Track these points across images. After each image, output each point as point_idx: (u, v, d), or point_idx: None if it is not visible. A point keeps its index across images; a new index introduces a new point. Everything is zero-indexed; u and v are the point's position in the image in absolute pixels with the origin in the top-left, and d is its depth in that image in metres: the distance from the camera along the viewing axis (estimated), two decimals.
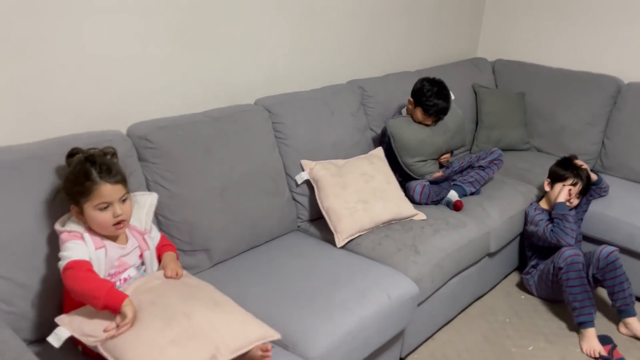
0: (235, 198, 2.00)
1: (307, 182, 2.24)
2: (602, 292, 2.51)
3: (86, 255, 1.42)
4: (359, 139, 2.53)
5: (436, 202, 2.52)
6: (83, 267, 1.39)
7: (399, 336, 2.01)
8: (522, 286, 2.68)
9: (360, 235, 2.14)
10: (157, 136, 1.86)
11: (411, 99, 2.52)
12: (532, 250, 2.62)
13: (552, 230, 2.40)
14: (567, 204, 2.46)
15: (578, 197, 2.53)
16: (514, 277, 2.78)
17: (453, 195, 2.52)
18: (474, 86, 3.31)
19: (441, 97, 2.44)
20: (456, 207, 2.46)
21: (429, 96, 2.43)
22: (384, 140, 2.55)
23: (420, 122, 2.50)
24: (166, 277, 1.54)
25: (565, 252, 2.30)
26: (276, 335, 1.46)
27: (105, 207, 1.43)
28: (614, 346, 2.19)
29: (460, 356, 2.19)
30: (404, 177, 2.52)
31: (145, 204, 1.67)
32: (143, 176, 1.84)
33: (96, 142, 1.67)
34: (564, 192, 2.47)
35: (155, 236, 1.70)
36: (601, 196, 2.67)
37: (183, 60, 2.09)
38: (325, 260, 1.97)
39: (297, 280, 1.83)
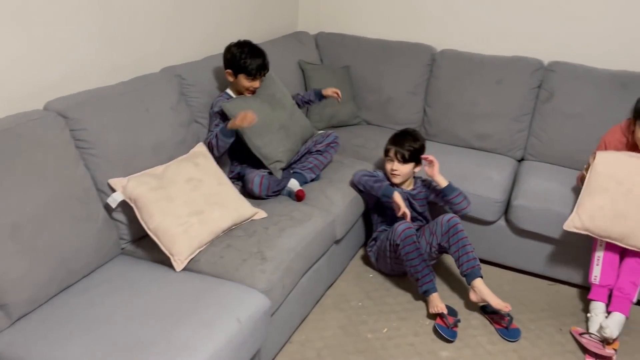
0: (33, 235, 1.59)
1: (123, 201, 1.90)
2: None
3: None
4: (184, 135, 2.23)
5: (276, 193, 2.37)
6: None
7: (254, 355, 1.83)
8: (368, 262, 2.68)
9: (199, 251, 1.88)
10: None
11: (229, 71, 2.37)
12: (373, 218, 2.64)
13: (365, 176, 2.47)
14: (392, 178, 2.47)
15: (412, 179, 2.53)
16: (360, 255, 2.77)
17: (294, 184, 2.38)
18: (300, 63, 3.18)
19: (255, 53, 2.37)
20: (298, 197, 2.32)
21: (245, 57, 2.34)
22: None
23: (248, 90, 2.39)
24: None
25: (398, 227, 2.32)
26: None
27: None
28: (458, 320, 2.26)
29: (320, 355, 2.10)
30: (246, 168, 2.37)
31: None
32: None
33: None
34: (386, 166, 2.48)
35: None
36: (455, 211, 2.47)
37: None
38: (159, 290, 1.69)
39: (128, 324, 1.53)
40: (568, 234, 2.40)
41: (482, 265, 2.67)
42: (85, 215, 1.78)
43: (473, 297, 2.29)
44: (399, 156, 2.44)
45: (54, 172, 1.70)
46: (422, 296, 2.37)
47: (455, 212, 2.43)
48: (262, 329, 1.72)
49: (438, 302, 2.29)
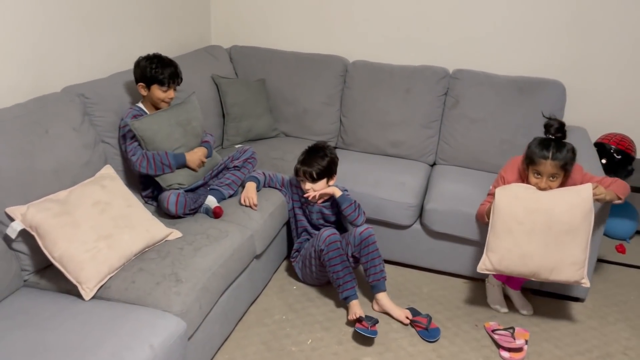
0: None
1: (23, 230, 1.79)
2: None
3: None
4: (90, 156, 2.13)
5: (193, 211, 2.32)
6: None
7: None
8: (292, 274, 2.69)
9: (110, 277, 1.80)
10: None
11: (141, 84, 2.34)
12: (295, 231, 2.65)
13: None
14: (308, 195, 2.49)
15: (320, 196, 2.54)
16: (283, 268, 2.77)
17: (211, 201, 2.35)
18: (214, 77, 3.14)
19: (166, 63, 2.36)
20: (216, 214, 2.29)
21: (155, 68, 2.32)
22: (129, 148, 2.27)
23: (163, 101, 2.36)
24: None
25: (324, 233, 2.36)
26: None
27: None
28: (376, 321, 2.31)
29: None
30: (158, 188, 2.30)
31: None
32: None
33: None
34: (301, 185, 2.52)
35: None
36: (349, 221, 2.49)
37: None
38: (65, 321, 1.60)
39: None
40: (478, 234, 2.54)
41: (401, 269, 2.79)
42: None
43: (375, 307, 2.42)
44: (307, 176, 2.47)
45: None
46: (343, 303, 2.40)
47: (349, 222, 2.47)
48: (178, 353, 1.67)
49: (357, 309, 2.32)
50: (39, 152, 1.92)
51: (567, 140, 2.23)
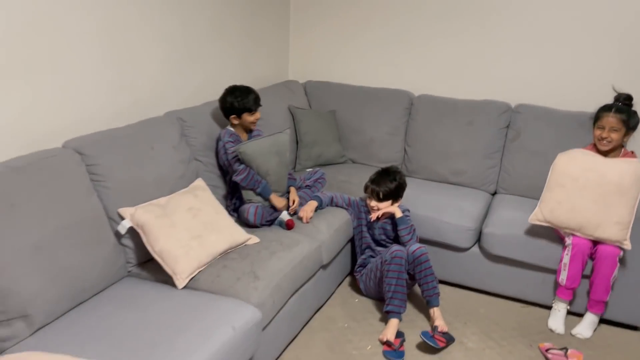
0: (51, 254, 1.81)
1: (131, 228, 2.12)
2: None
3: None
4: (184, 171, 2.48)
5: (269, 223, 2.60)
6: None
7: None
8: (355, 288, 2.89)
9: (199, 271, 2.10)
10: None
11: (233, 116, 2.67)
12: (359, 248, 2.85)
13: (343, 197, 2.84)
14: (372, 212, 2.71)
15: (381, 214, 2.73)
16: (347, 283, 2.98)
17: (284, 215, 2.62)
18: (290, 108, 3.48)
19: (245, 91, 2.68)
20: (288, 226, 2.56)
21: (242, 98, 2.64)
22: (231, 168, 2.62)
23: (253, 123, 2.70)
24: None
25: (393, 247, 2.56)
26: None
27: None
28: (403, 340, 2.46)
29: None
30: (240, 201, 2.62)
31: None
32: None
33: None
34: (367, 201, 2.74)
35: None
36: (401, 242, 2.67)
37: None
38: (163, 305, 1.90)
39: (134, 333, 1.73)
40: (535, 257, 2.65)
41: (459, 290, 2.92)
42: (97, 240, 2.00)
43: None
44: (374, 194, 2.69)
45: (70, 200, 1.94)
46: (385, 316, 2.54)
47: (402, 243, 2.65)
48: (254, 338, 1.92)
49: (390, 331, 2.44)
50: (145, 165, 2.28)
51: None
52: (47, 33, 2.08)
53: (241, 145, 2.55)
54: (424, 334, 2.39)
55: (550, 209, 2.52)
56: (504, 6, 3.29)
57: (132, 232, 2.14)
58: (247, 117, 2.67)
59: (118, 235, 2.12)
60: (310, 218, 2.64)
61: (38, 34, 2.04)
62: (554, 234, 2.65)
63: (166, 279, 2.07)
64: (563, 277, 2.53)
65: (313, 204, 2.72)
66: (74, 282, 1.87)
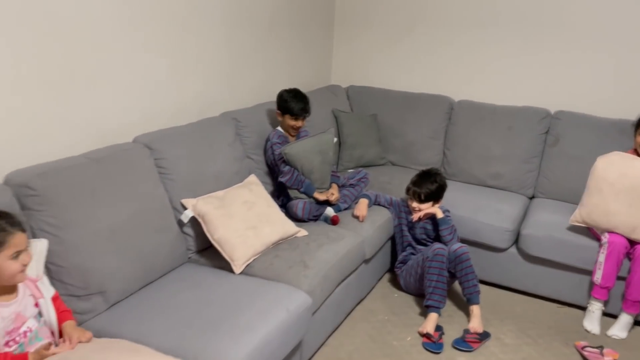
0: (125, 238, 2.01)
1: (192, 217, 2.30)
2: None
3: None
4: (239, 167, 2.66)
5: (315, 218, 2.75)
6: None
7: (297, 347, 2.16)
8: (394, 284, 3.01)
9: (254, 258, 2.27)
10: (38, 183, 1.81)
11: (278, 111, 2.85)
12: (400, 245, 2.97)
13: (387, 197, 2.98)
14: (413, 214, 2.83)
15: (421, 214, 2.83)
16: (387, 278, 3.10)
17: (330, 211, 2.77)
18: (334, 111, 3.63)
19: (299, 98, 2.85)
20: (333, 221, 2.71)
21: (290, 101, 2.82)
22: (278, 168, 2.79)
23: (292, 128, 2.84)
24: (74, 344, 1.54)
25: (435, 245, 2.68)
26: None
27: (17, 256, 1.42)
28: (442, 333, 2.56)
29: (352, 357, 2.41)
30: (287, 198, 2.78)
31: (35, 250, 1.64)
32: (28, 225, 1.78)
33: None
34: (408, 202, 2.87)
35: (49, 286, 1.68)
36: (443, 242, 2.76)
37: (56, 105, 2.06)
38: (223, 287, 2.07)
39: (199, 311, 1.90)
40: (572, 258, 2.72)
41: (496, 289, 3.00)
42: (163, 227, 2.20)
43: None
44: (416, 196, 2.81)
45: (141, 189, 2.14)
46: (425, 310, 2.65)
47: (443, 242, 2.74)
48: (305, 321, 2.07)
49: (430, 324, 2.55)
50: (205, 160, 2.47)
51: None
52: (123, 41, 2.29)
53: (286, 147, 2.72)
54: (456, 342, 2.50)
55: (588, 211, 2.64)
56: (545, 14, 3.37)
57: (193, 222, 2.32)
58: (288, 120, 2.84)
59: (180, 223, 2.31)
60: (364, 216, 2.78)
61: (116, 42, 2.26)
62: (591, 235, 2.73)
63: (223, 265, 2.24)
64: (598, 276, 2.61)
65: (365, 202, 2.86)
66: (144, 263, 2.06)
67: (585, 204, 2.68)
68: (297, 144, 2.76)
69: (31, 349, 1.52)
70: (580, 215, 2.69)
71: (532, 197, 3.39)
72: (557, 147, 3.27)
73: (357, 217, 2.78)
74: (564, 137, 3.26)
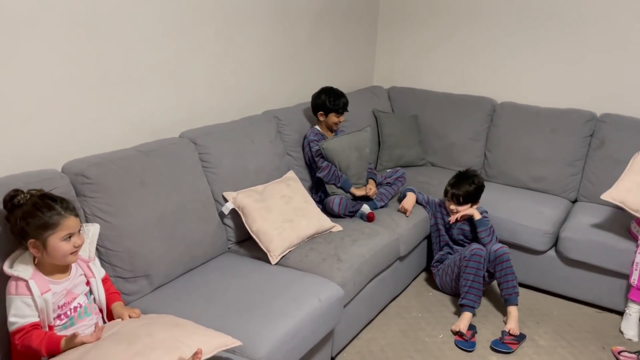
0: (171, 226, 2.14)
1: (233, 209, 2.42)
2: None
3: (33, 314, 1.54)
4: (279, 163, 2.77)
5: (351, 214, 2.82)
6: (30, 330, 1.53)
7: (329, 337, 2.24)
8: (430, 283, 3.04)
9: (289, 250, 2.36)
10: (93, 172, 1.97)
11: (321, 112, 2.95)
12: (437, 245, 3.00)
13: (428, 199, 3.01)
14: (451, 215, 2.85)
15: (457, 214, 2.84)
16: (422, 277, 3.13)
17: (366, 208, 2.83)
18: (374, 111, 3.69)
19: (339, 95, 2.96)
20: (369, 218, 2.77)
21: (332, 99, 2.92)
22: (315, 164, 2.88)
23: (336, 124, 2.95)
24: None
25: (473, 245, 2.70)
26: (237, 342, 1.64)
27: (69, 238, 1.55)
28: (474, 332, 2.57)
29: (383, 350, 2.47)
30: (325, 194, 2.86)
31: (88, 234, 1.78)
32: (82, 210, 1.93)
33: (35, 182, 1.77)
34: (446, 204, 2.89)
35: (100, 267, 1.82)
36: (481, 243, 2.75)
37: (109, 101, 2.22)
38: (259, 276, 2.17)
39: (236, 296, 2.01)
40: (612, 262, 2.67)
41: (534, 292, 2.98)
42: (206, 217, 2.32)
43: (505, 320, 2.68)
44: (454, 198, 2.82)
45: (186, 181, 2.27)
46: (459, 309, 2.67)
47: (481, 244, 2.74)
48: (337, 312, 2.14)
49: (463, 322, 2.57)
50: (247, 156, 2.59)
51: None
52: (173, 43, 2.44)
53: (324, 142, 2.80)
54: (494, 343, 2.51)
55: (627, 188, 2.60)
56: (591, 15, 3.31)
57: (233, 214, 2.44)
58: (333, 118, 2.94)
59: (222, 215, 2.43)
60: (410, 212, 2.84)
61: (166, 44, 2.41)
62: (631, 238, 2.67)
63: (260, 256, 2.35)
64: (635, 278, 2.55)
65: (413, 196, 2.93)
66: (187, 250, 2.20)
67: (624, 181, 2.65)
68: (334, 140, 2.84)
69: (80, 322, 1.66)
70: (617, 192, 2.62)
71: (574, 201, 3.33)
72: (602, 150, 3.21)
73: (404, 212, 2.84)
74: (609, 140, 3.19)
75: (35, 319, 1.54)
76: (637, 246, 2.58)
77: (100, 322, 1.74)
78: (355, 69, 3.97)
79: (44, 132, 2.00)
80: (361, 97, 3.70)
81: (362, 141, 2.92)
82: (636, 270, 2.56)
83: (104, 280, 1.82)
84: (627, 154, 3.07)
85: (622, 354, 2.40)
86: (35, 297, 1.54)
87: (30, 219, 1.54)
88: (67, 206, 1.58)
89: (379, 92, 3.91)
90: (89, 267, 1.76)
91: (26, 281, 1.54)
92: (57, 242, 1.54)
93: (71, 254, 1.58)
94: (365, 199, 2.87)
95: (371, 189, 2.87)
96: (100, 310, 1.78)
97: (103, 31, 2.13)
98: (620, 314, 2.75)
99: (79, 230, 1.61)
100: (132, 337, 1.49)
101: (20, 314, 1.53)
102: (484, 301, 2.84)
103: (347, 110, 2.99)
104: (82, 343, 1.50)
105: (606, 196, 2.65)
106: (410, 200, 2.90)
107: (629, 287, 2.62)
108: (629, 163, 2.72)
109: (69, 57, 2.03)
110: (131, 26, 2.24)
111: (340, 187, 2.83)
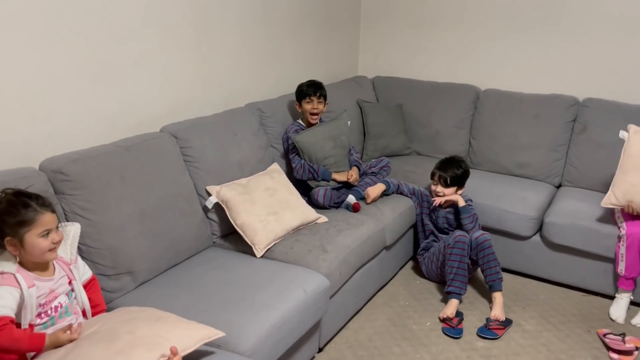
0: (153, 221, 2.12)
1: (217, 203, 2.40)
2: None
3: (11, 308, 1.49)
4: (262, 156, 2.75)
5: (337, 205, 2.82)
6: (7, 323, 1.46)
7: (316, 328, 2.24)
8: (417, 272, 3.05)
9: (275, 243, 2.35)
10: (71, 169, 1.94)
11: (297, 102, 2.95)
12: (422, 233, 3.02)
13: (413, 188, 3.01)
14: (436, 199, 2.86)
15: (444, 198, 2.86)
16: (409, 266, 3.14)
17: (351, 198, 2.83)
18: (359, 101, 3.68)
19: (312, 83, 2.96)
20: (355, 208, 2.76)
21: (302, 86, 2.94)
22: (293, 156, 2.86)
23: (311, 113, 2.91)
24: None
25: (456, 232, 2.70)
26: (220, 333, 1.63)
27: (47, 234, 1.53)
28: (461, 319, 2.59)
29: (371, 339, 2.47)
30: (309, 187, 2.84)
31: (69, 234, 1.75)
32: (61, 208, 1.91)
33: (11, 180, 1.74)
34: (432, 187, 2.90)
35: (83, 270, 1.78)
36: (464, 229, 2.76)
37: (88, 96, 2.19)
38: (244, 269, 2.16)
39: (221, 289, 2.00)
40: (597, 246, 2.69)
41: (520, 278, 3.00)
42: (189, 211, 2.30)
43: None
44: (441, 180, 2.83)
45: (168, 176, 2.25)
46: (446, 296, 2.68)
47: (464, 230, 2.75)
48: (323, 303, 2.14)
49: (450, 309, 2.59)
50: (230, 149, 2.57)
51: None
52: (151, 36, 2.41)
53: (296, 135, 2.79)
54: (480, 330, 2.52)
55: (623, 192, 2.56)
56: (569, 0, 3.32)
57: (217, 208, 2.42)
58: (305, 105, 2.91)
59: (205, 209, 2.41)
60: (373, 200, 2.83)
61: (145, 37, 2.37)
62: (614, 223, 2.69)
63: (245, 249, 2.34)
64: (622, 268, 2.58)
65: (381, 186, 2.91)
66: (171, 245, 2.18)
67: (619, 184, 2.59)
68: (307, 132, 2.82)
69: (60, 322, 1.63)
70: (615, 197, 2.58)
71: (559, 186, 3.35)
72: (585, 134, 3.22)
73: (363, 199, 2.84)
74: (591, 124, 3.21)
75: (12, 315, 1.49)
76: (619, 238, 2.60)
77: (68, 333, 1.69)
78: (340, 60, 3.95)
79: (20, 129, 1.97)
80: (345, 88, 3.69)
81: (337, 129, 2.90)
82: (622, 260, 2.58)
83: (90, 286, 1.79)
84: (609, 137, 3.10)
85: (608, 336, 2.43)
86: (24, 290, 1.50)
87: (5, 217, 1.51)
88: (42, 202, 1.56)
89: (363, 82, 3.89)
90: (70, 270, 1.73)
91: (13, 274, 1.52)
92: (34, 238, 1.52)
93: (49, 250, 1.56)
94: (349, 186, 2.86)
95: (352, 175, 2.86)
96: (84, 312, 1.75)
97: (80, 25, 2.09)
98: (605, 296, 2.78)
99: (57, 226, 1.59)
100: (113, 335, 1.47)
101: (2, 304, 1.47)
102: (471, 288, 2.86)
103: (320, 97, 2.93)
104: (70, 341, 1.49)
105: (605, 203, 2.62)
106: (376, 189, 2.88)
107: (616, 274, 2.64)
108: (620, 158, 2.64)
109: (46, 52, 1.99)
110: (109, 20, 2.20)
111: (322, 179, 2.81)
